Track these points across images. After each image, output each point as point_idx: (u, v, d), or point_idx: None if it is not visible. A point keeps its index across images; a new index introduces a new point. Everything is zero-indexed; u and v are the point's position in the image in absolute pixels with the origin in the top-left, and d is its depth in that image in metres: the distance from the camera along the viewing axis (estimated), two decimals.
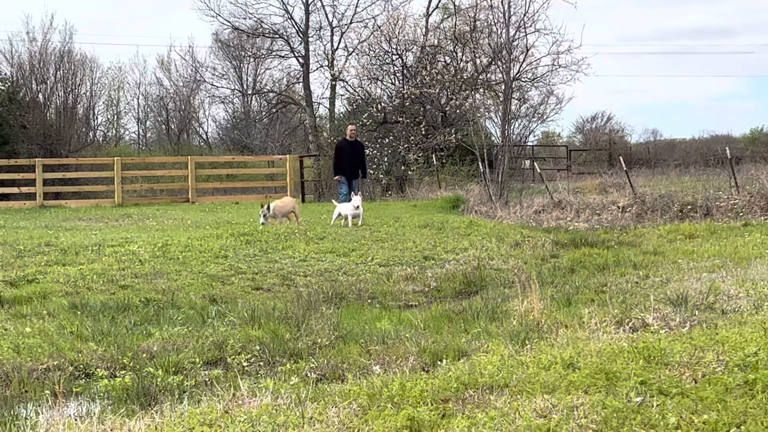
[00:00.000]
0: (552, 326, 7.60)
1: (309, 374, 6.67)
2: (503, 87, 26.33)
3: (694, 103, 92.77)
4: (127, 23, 75.39)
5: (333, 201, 18.32)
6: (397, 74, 32.90)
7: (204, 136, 50.13)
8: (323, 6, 38.36)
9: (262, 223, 15.84)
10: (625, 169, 23.70)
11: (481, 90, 32.85)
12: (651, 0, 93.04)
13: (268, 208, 16.25)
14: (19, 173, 27.10)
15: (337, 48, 37.96)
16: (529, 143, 35.62)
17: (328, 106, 39.24)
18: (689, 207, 19.14)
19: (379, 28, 33.89)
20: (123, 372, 6.92)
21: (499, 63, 27.67)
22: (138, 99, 50.40)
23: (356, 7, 37.91)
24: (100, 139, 46.17)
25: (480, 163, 23.06)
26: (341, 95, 37.99)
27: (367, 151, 25.46)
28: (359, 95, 34.50)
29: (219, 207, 23.44)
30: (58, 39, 41.73)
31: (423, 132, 30.79)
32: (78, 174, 30.11)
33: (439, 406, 5.04)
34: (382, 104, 31.89)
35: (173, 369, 6.94)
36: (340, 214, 16.45)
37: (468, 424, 4.67)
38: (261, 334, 7.89)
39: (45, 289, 9.93)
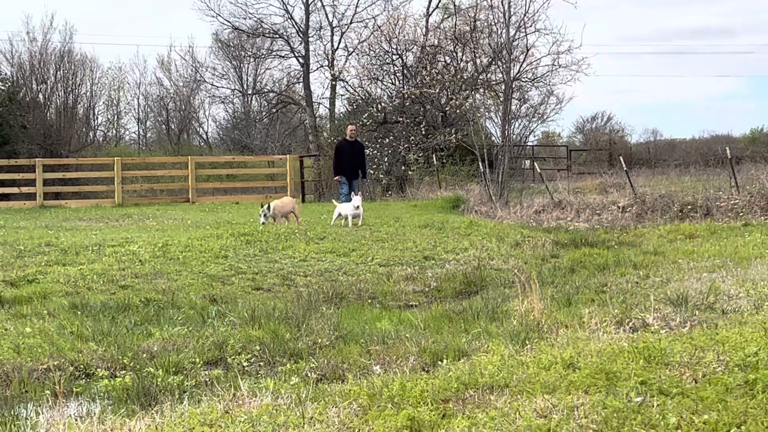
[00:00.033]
0: (552, 326, 7.60)
1: (309, 374, 6.67)
2: (503, 87, 26.34)
3: (694, 103, 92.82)
4: (127, 23, 75.46)
5: (333, 201, 18.32)
6: (397, 74, 32.92)
7: (204, 136, 50.18)
8: (323, 6, 38.42)
9: (263, 223, 15.85)
10: (625, 169, 23.70)
11: (482, 90, 32.85)
12: (651, 0, 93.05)
13: (269, 207, 16.25)
14: (19, 173, 27.10)
15: (338, 48, 38.02)
16: (529, 143, 35.68)
17: (328, 106, 39.27)
18: (689, 207, 19.15)
19: (379, 28, 33.91)
20: (123, 372, 6.92)
21: (500, 63, 27.68)
22: (138, 99, 50.50)
23: (356, 7, 37.97)
24: (101, 139, 46.20)
25: (480, 163, 23.06)
26: (341, 95, 38.06)
27: (367, 151, 25.47)
28: (359, 95, 34.52)
29: (219, 207, 23.44)
30: (59, 39, 41.82)
31: (423, 132, 30.80)
32: (78, 174, 30.12)
33: (439, 406, 5.04)
34: (382, 104, 31.89)
35: (173, 369, 6.94)
36: (340, 214, 16.45)
37: (468, 424, 4.67)
38: (261, 334, 7.89)
39: (45, 289, 9.93)
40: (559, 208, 20.69)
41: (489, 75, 32.08)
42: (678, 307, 7.96)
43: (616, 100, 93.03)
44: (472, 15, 31.92)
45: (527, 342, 6.87)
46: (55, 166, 28.15)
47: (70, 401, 6.39)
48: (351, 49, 36.30)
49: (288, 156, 27.85)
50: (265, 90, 45.00)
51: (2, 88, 36.34)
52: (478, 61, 32.44)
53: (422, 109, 31.70)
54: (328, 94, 38.75)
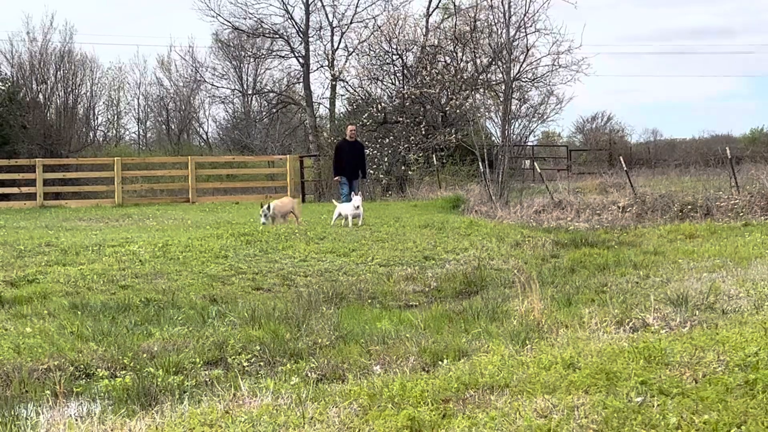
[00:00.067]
0: (552, 326, 7.60)
1: (309, 374, 6.67)
2: (503, 87, 26.34)
3: (694, 103, 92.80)
4: (127, 23, 75.47)
5: (333, 201, 18.32)
6: (398, 74, 32.92)
7: (204, 136, 50.19)
8: (323, 6, 38.41)
9: (263, 224, 15.83)
10: (625, 169, 23.70)
11: (482, 90, 32.85)
12: (651, 0, 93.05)
13: (269, 207, 16.24)
14: (19, 173, 27.10)
15: (338, 48, 38.02)
16: (529, 143, 35.68)
17: (328, 106, 39.27)
18: (689, 207, 19.15)
19: (380, 28, 33.90)
20: (123, 372, 6.93)
21: (500, 63, 27.68)
22: (138, 99, 50.51)
23: (356, 7, 37.96)
24: (101, 139, 46.22)
25: (480, 163, 23.07)
26: (341, 95, 38.06)
27: (367, 151, 25.47)
28: (359, 95, 34.52)
29: (219, 207, 23.44)
30: (59, 39, 41.85)
31: (423, 132, 30.80)
32: (78, 174, 30.14)
33: (439, 406, 5.04)
34: (383, 104, 31.90)
35: (174, 369, 6.94)
36: (340, 214, 16.45)
37: (469, 424, 4.67)
38: (261, 334, 7.89)
39: (45, 289, 9.93)
40: (559, 208, 20.69)
41: (489, 75, 32.09)
42: (678, 307, 7.97)
43: (616, 100, 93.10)
44: (472, 15, 31.93)
45: (527, 342, 6.87)
46: (55, 166, 28.16)
47: (71, 401, 6.39)
48: (351, 49, 36.33)
49: (288, 156, 27.85)
50: (265, 90, 45.00)
51: (2, 88, 36.35)
52: (478, 61, 32.45)
53: (422, 109, 31.70)
54: (328, 94, 38.78)
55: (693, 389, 4.97)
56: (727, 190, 20.22)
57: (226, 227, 15.56)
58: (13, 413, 5.83)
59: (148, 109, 50.99)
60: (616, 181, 25.69)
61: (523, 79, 29.61)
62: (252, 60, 45.05)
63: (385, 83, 33.48)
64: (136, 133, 51.80)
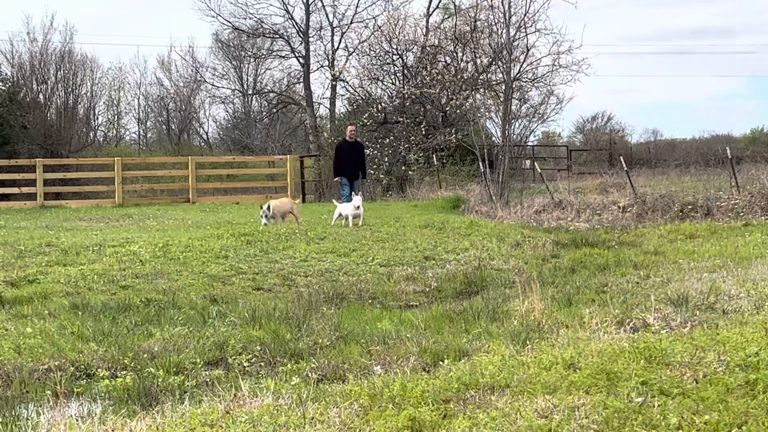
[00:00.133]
0: (553, 326, 7.60)
1: (310, 374, 6.67)
2: (504, 87, 26.32)
3: (694, 103, 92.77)
4: (127, 23, 75.45)
5: (333, 201, 18.33)
6: (398, 74, 32.92)
7: (204, 137, 50.19)
8: (324, 6, 38.42)
9: (264, 224, 15.82)
10: (625, 169, 23.70)
11: (482, 90, 32.85)
12: (651, 0, 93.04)
13: (269, 208, 16.23)
14: (19, 173, 27.12)
15: (338, 48, 38.02)
16: (529, 143, 35.63)
17: (328, 106, 39.27)
18: (690, 207, 19.15)
19: (380, 28, 33.90)
20: (124, 372, 6.93)
21: (500, 63, 27.66)
22: (138, 99, 50.51)
23: (357, 7, 37.96)
24: (101, 139, 46.24)
25: (480, 163, 23.07)
26: (342, 95, 38.07)
27: (367, 152, 25.46)
28: (360, 95, 34.53)
29: (219, 207, 23.44)
30: (59, 39, 41.84)
31: (423, 132, 30.80)
32: (78, 174, 30.16)
33: (440, 406, 5.04)
34: (383, 104, 31.90)
35: (174, 369, 6.94)
36: (340, 215, 16.45)
37: (469, 425, 4.67)
38: (262, 335, 7.89)
39: (46, 290, 9.93)
40: (560, 208, 20.69)
41: (489, 75, 32.08)
42: (679, 307, 7.96)
43: (616, 100, 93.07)
44: (473, 15, 31.92)
45: (528, 342, 6.87)
46: (55, 166, 28.19)
47: (71, 401, 6.39)
48: (351, 49, 36.33)
49: (288, 156, 27.86)
50: (266, 90, 45.01)
51: (3, 88, 36.37)
52: (478, 61, 32.44)
53: (422, 109, 31.70)
54: (328, 94, 38.79)
55: (694, 389, 4.97)
56: (727, 190, 20.22)
57: (227, 227, 15.57)
58: (13, 413, 5.83)
59: (149, 109, 51.06)
60: (616, 181, 25.69)
61: (524, 79, 29.59)
62: (252, 60, 45.07)
63: (385, 83, 33.51)
64: (137, 133, 51.89)
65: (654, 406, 4.73)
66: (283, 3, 38.28)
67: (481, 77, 32.13)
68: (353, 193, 18.28)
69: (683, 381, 5.16)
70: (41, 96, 39.14)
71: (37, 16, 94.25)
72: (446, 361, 6.52)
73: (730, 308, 7.99)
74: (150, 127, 52.07)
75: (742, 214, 18.11)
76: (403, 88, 32.10)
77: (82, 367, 7.15)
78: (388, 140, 30.70)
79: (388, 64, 32.90)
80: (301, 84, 40.30)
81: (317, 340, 7.78)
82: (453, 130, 30.77)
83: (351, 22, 37.77)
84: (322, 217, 18.29)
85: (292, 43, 39.24)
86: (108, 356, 7.29)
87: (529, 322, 7.83)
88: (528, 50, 27.57)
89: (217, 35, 44.03)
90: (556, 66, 29.44)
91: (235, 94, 46.33)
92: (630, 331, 7.23)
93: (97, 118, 46.24)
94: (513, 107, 26.51)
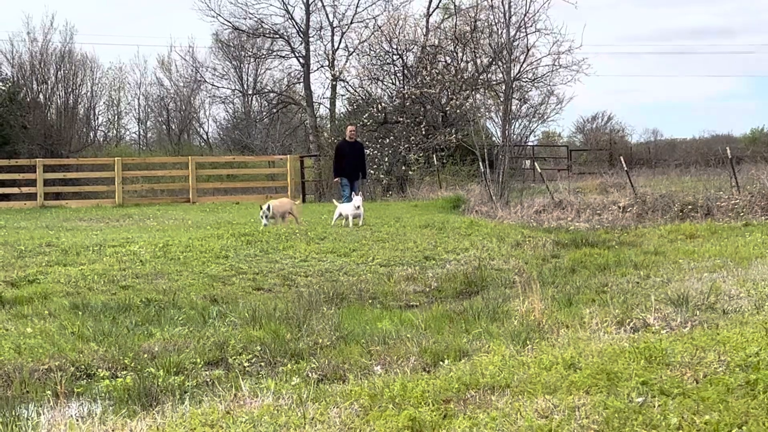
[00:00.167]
0: (553, 326, 7.60)
1: (310, 375, 6.67)
2: (504, 87, 26.31)
3: (694, 103, 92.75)
4: (127, 23, 75.47)
5: (334, 201, 18.33)
6: (398, 74, 32.93)
7: (204, 137, 50.20)
8: (324, 6, 38.42)
9: (264, 225, 15.81)
10: (625, 169, 23.70)
11: (482, 90, 32.84)
12: (651, 0, 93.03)
13: (269, 208, 16.22)
14: (19, 173, 27.12)
15: (338, 48, 38.03)
16: (529, 143, 35.63)
17: (328, 106, 39.27)
18: (690, 207, 19.15)
19: (380, 28, 33.90)
20: (124, 372, 6.93)
21: (500, 63, 27.65)
22: (138, 99, 50.53)
23: (357, 7, 37.97)
24: (101, 139, 46.26)
25: (480, 163, 23.07)
26: (342, 95, 38.07)
27: (367, 152, 25.45)
28: (360, 95, 34.53)
29: (219, 207, 23.44)
30: (59, 39, 41.81)
31: (423, 132, 30.80)
32: (79, 174, 30.17)
33: (440, 406, 5.04)
34: (383, 104, 31.90)
35: (174, 369, 6.94)
36: (340, 215, 16.45)
37: (469, 425, 4.67)
38: (262, 335, 7.89)
39: (46, 290, 9.93)
40: (560, 208, 20.70)
41: (489, 75, 32.08)
42: (679, 307, 7.96)
43: (616, 100, 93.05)
44: (473, 15, 31.92)
45: (528, 342, 6.87)
46: (55, 166, 28.19)
47: (72, 402, 6.39)
48: (351, 49, 36.33)
49: (288, 156, 27.86)
50: (266, 90, 45.02)
51: (3, 88, 36.38)
52: (478, 61, 32.44)
53: (422, 109, 31.70)
54: (328, 94, 38.79)
55: (694, 389, 4.98)
56: (727, 190, 20.22)
57: (227, 227, 15.57)
58: (14, 413, 5.83)
59: (149, 109, 51.07)
60: (616, 181, 25.69)
61: (524, 79, 29.58)
62: (252, 60, 45.08)
63: (385, 83, 33.51)
64: (137, 133, 51.91)
65: (654, 406, 4.73)
66: (283, 3, 38.33)
67: (481, 77, 32.13)
68: (353, 193, 18.27)
69: (683, 381, 5.17)
70: (41, 96, 39.16)
71: (37, 16, 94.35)
72: (446, 361, 6.52)
73: (730, 308, 7.99)
74: (150, 127, 52.13)
75: (742, 214, 18.11)
76: (403, 88, 32.10)
77: (83, 367, 7.15)
78: (388, 140, 30.70)
79: (388, 64, 32.91)
80: (301, 84, 40.33)
81: (317, 340, 7.77)
82: (453, 130, 30.77)
83: (351, 22, 37.82)
84: (322, 217, 18.29)
85: (292, 43, 39.27)
86: (108, 356, 7.29)
87: (530, 322, 7.83)
88: (528, 50, 27.58)
89: (217, 35, 44.10)
90: (556, 66, 29.44)
91: (235, 94, 46.38)
92: (630, 331, 7.23)
93: (97, 118, 46.32)
94: (513, 107, 26.52)
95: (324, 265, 12.12)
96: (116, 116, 49.10)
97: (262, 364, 7.26)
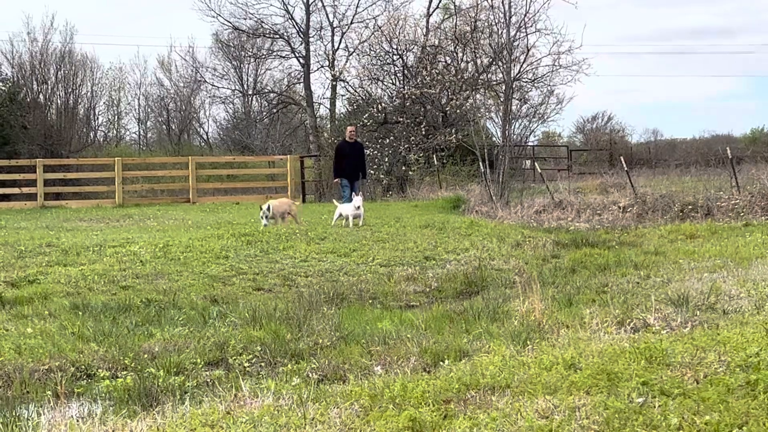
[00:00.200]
0: (553, 327, 7.60)
1: (310, 375, 6.67)
2: (504, 87, 26.30)
3: (694, 103, 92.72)
4: (127, 23, 75.45)
5: (334, 201, 18.33)
6: (398, 74, 32.92)
7: (205, 137, 50.20)
8: (324, 6, 38.43)
9: (264, 225, 15.80)
10: (625, 169, 23.70)
11: (482, 90, 32.84)
12: (651, 0, 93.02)
13: (269, 208, 16.22)
14: (20, 174, 27.12)
15: (338, 48, 38.03)
16: (529, 143, 35.61)
17: (328, 106, 39.27)
18: (690, 207, 19.15)
19: (380, 28, 33.89)
20: (124, 372, 6.93)
21: (500, 63, 27.65)
22: (138, 99, 50.53)
23: (357, 7, 37.97)
24: (101, 139, 46.26)
25: (481, 164, 23.06)
26: (342, 95, 38.07)
27: (367, 152, 25.44)
28: (360, 95, 34.53)
29: (220, 207, 23.44)
30: (59, 39, 41.77)
31: (423, 132, 30.80)
32: (79, 174, 30.18)
33: (440, 406, 5.04)
34: (383, 104, 31.89)
35: (175, 370, 6.94)
36: (341, 215, 16.45)
37: (470, 425, 4.67)
38: (262, 335, 7.89)
39: (46, 290, 9.93)
40: (560, 208, 20.69)
41: (489, 75, 32.07)
42: (679, 307, 7.96)
43: (616, 100, 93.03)
44: (473, 15, 31.91)
45: (528, 342, 6.87)
46: (55, 166, 28.21)
47: (72, 402, 6.39)
48: (351, 50, 36.32)
49: (288, 156, 27.87)
50: (266, 90, 45.02)
51: (3, 88, 36.38)
52: (478, 61, 32.44)
53: (423, 109, 31.70)
54: (328, 94, 38.80)
55: (694, 390, 4.98)
56: (727, 190, 20.21)
57: (227, 228, 15.57)
58: (14, 414, 5.83)
59: (149, 110, 51.07)
60: (616, 181, 25.68)
61: (524, 80, 29.55)
62: (252, 60, 45.07)
63: (385, 83, 33.50)
64: (137, 133, 51.91)
65: (655, 407, 4.73)
66: (284, 3, 38.34)
67: (481, 77, 32.12)
68: (353, 193, 18.27)
69: (684, 381, 5.17)
70: (41, 96, 39.17)
71: (37, 16, 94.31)
72: (447, 362, 6.53)
73: (730, 308, 7.99)
74: (150, 127, 52.12)
75: (742, 214, 18.11)
76: (404, 88, 32.10)
77: (83, 367, 7.15)
78: (388, 140, 30.70)
79: (388, 64, 32.91)
80: (302, 84, 40.33)
81: (318, 340, 7.77)
82: (453, 131, 30.76)
83: (351, 23, 37.82)
84: (323, 217, 18.29)
85: (292, 44, 39.27)
86: (108, 356, 7.29)
87: (530, 323, 7.83)
88: (528, 50, 27.55)
89: (217, 35, 44.08)
90: (557, 66, 29.40)
91: (235, 94, 46.37)
92: (630, 332, 7.23)
93: (98, 118, 46.32)
94: (513, 107, 26.49)
95: (324, 266, 12.12)
96: (116, 116, 49.16)
97: (263, 364, 7.26)
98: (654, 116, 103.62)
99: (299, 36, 38.80)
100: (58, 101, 39.58)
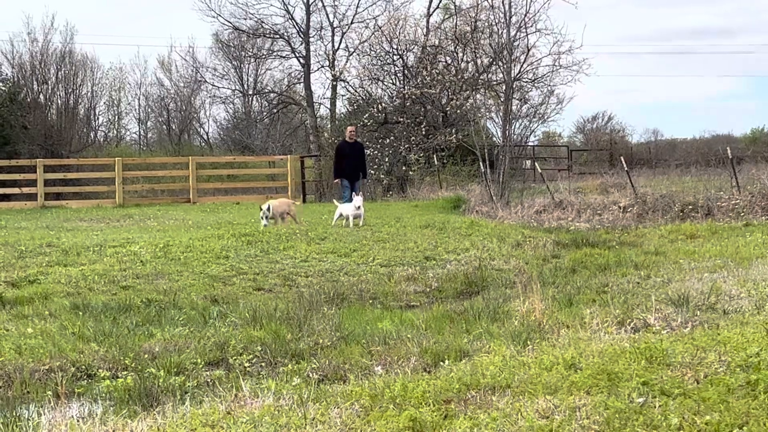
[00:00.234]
0: (554, 327, 7.60)
1: (311, 375, 6.67)
2: (504, 87, 26.31)
3: (694, 103, 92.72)
4: (127, 23, 75.44)
5: (334, 201, 18.33)
6: (398, 74, 32.93)
7: (205, 137, 50.20)
8: (324, 6, 38.42)
9: (264, 225, 15.80)
10: (626, 169, 23.70)
11: (482, 90, 32.84)
12: (651, 0, 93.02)
13: (269, 208, 16.22)
14: (20, 174, 27.12)
15: (338, 48, 38.01)
16: (530, 143, 35.63)
17: (329, 106, 39.26)
18: (690, 207, 19.15)
19: (380, 28, 33.89)
20: (125, 373, 6.92)
21: (500, 63, 27.66)
22: (139, 99, 50.53)
23: (357, 7, 37.95)
24: (101, 139, 46.24)
25: (481, 164, 23.06)
26: (342, 95, 38.06)
27: (367, 152, 25.44)
28: (360, 95, 34.53)
29: (220, 207, 23.44)
30: (59, 39, 41.72)
31: (424, 132, 30.80)
32: (79, 174, 30.18)
33: (441, 406, 5.04)
34: (383, 104, 31.90)
35: (175, 370, 6.94)
36: (341, 215, 16.45)
37: (470, 425, 4.67)
38: (263, 335, 7.89)
39: (46, 290, 9.94)
40: (560, 208, 20.69)
41: (490, 75, 32.07)
42: (679, 307, 7.96)
43: (617, 100, 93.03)
44: (473, 15, 31.91)
45: (529, 342, 6.87)
46: (56, 166, 28.21)
47: (72, 402, 6.39)
48: (352, 50, 36.31)
49: (289, 156, 27.86)
50: (266, 90, 45.02)
51: (3, 88, 36.39)
52: (478, 61, 32.44)
53: (423, 109, 31.70)
54: (328, 94, 38.79)
55: (695, 390, 4.98)
56: (728, 190, 20.21)
57: (227, 228, 15.57)
58: (14, 414, 5.83)
59: (149, 110, 51.07)
60: (616, 181, 25.68)
61: (524, 80, 29.55)
62: (252, 60, 45.07)
63: (385, 83, 33.51)
64: (137, 133, 51.90)
65: (655, 407, 4.73)
66: (284, 3, 38.33)
67: (481, 77, 32.12)
68: (354, 193, 18.27)
69: (684, 381, 5.17)
70: (42, 96, 39.16)
71: (37, 16, 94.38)
72: (447, 362, 6.53)
73: (730, 308, 7.99)
74: (150, 127, 52.12)
75: (742, 214, 18.11)
76: (404, 88, 32.10)
77: (83, 367, 7.15)
78: (388, 140, 30.70)
79: (388, 64, 32.91)
80: (302, 84, 40.32)
81: (318, 340, 7.78)
82: (453, 131, 30.76)
83: (351, 23, 37.80)
84: (323, 217, 18.29)
85: (292, 44, 39.26)
86: (109, 357, 7.29)
87: (530, 323, 7.83)
88: (528, 50, 27.55)
89: (218, 35, 44.08)
90: (557, 66, 29.40)
91: (235, 94, 46.37)
92: (631, 332, 7.23)
93: (98, 118, 46.30)
94: (513, 107, 26.50)
95: (324, 266, 12.12)
96: (116, 116, 49.15)
97: (263, 364, 7.26)
98: (654, 116, 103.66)
99: (299, 36, 38.82)
100: (59, 101, 39.59)
